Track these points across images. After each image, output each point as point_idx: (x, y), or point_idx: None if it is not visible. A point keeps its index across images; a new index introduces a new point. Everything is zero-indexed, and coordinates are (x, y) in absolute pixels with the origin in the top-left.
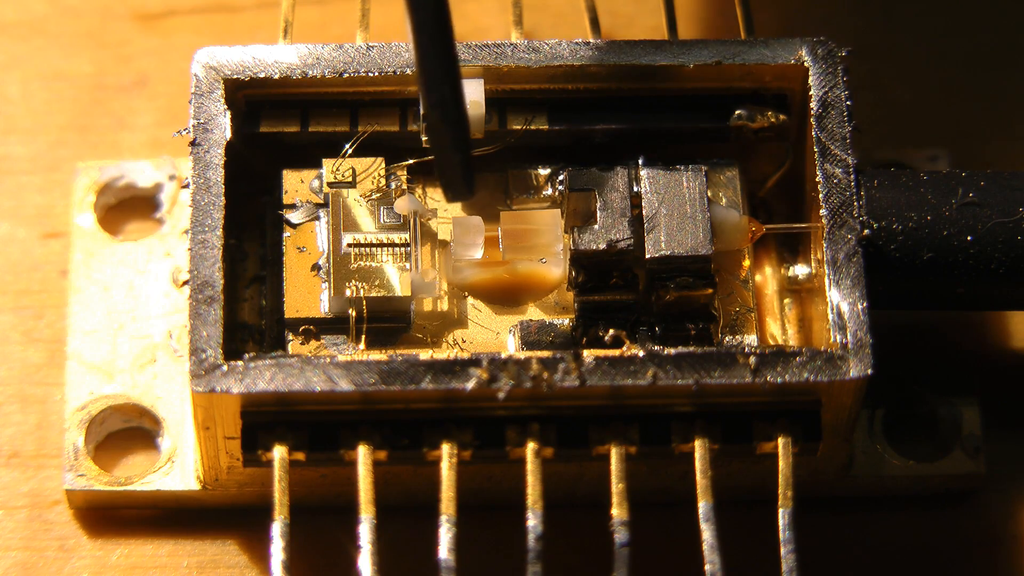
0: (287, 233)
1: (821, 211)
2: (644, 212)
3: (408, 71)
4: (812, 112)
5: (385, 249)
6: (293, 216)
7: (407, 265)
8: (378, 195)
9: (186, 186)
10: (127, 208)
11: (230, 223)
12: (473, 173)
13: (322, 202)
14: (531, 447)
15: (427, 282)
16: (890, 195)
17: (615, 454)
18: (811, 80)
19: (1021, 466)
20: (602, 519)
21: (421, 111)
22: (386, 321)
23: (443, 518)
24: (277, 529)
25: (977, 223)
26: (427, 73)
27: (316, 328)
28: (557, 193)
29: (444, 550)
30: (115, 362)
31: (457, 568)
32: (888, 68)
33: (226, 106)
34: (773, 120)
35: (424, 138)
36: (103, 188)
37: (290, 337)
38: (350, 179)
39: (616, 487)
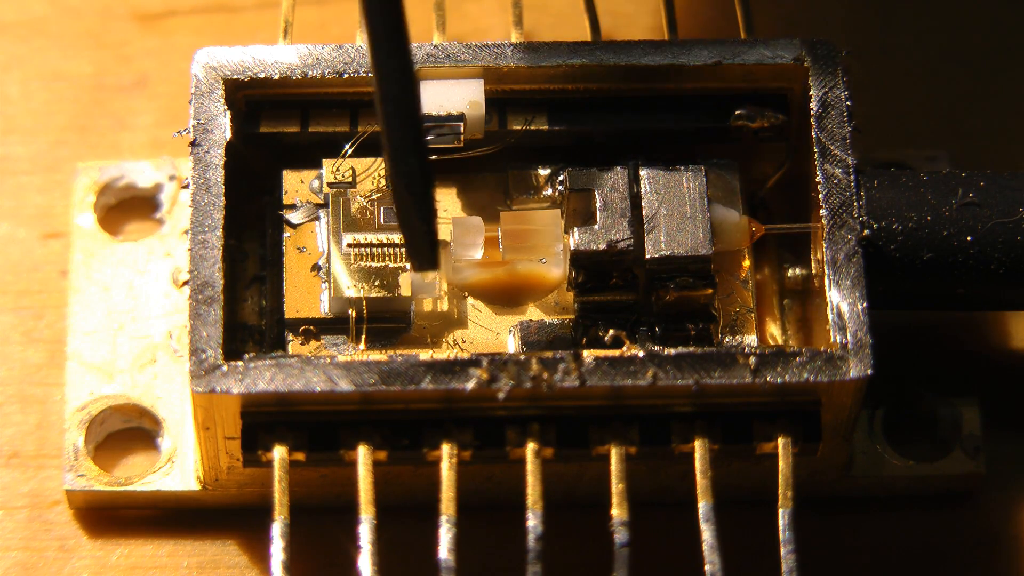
0: (287, 233)
1: (821, 211)
2: (644, 212)
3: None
4: (812, 112)
5: (385, 249)
6: (293, 216)
7: (407, 265)
8: (378, 195)
9: (186, 186)
10: (127, 208)
11: (230, 223)
12: (437, 244)
13: (322, 202)
14: (531, 447)
15: (427, 282)
16: (890, 195)
17: (615, 454)
18: (811, 80)
19: (1021, 466)
20: (602, 519)
21: (387, 180)
22: (386, 321)
23: (443, 518)
24: (277, 529)
25: (977, 223)
26: (394, 144)
27: (316, 328)
28: (557, 193)
29: (444, 550)
30: (115, 362)
31: (457, 568)
32: (888, 68)
33: (226, 106)
34: (773, 120)
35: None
36: (103, 188)
37: (290, 337)
38: (350, 179)
39: (616, 487)
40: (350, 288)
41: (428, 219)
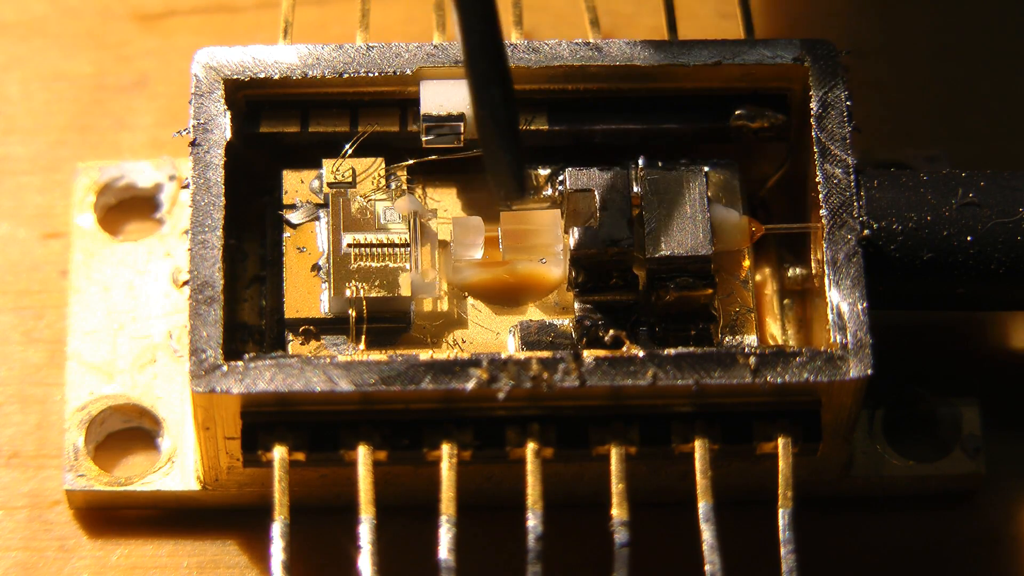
0: (287, 233)
1: (821, 211)
2: (644, 212)
3: (408, 71)
4: (812, 112)
5: (385, 249)
6: (293, 216)
7: (407, 265)
8: (378, 195)
9: (186, 186)
10: (127, 208)
11: (230, 223)
12: (524, 172)
13: (322, 202)
14: (531, 447)
15: (427, 282)
16: (890, 195)
17: (615, 454)
18: (811, 80)
19: (1021, 466)
20: (602, 519)
21: (472, 110)
22: (386, 321)
23: (443, 518)
24: (277, 529)
25: (977, 223)
26: (476, 74)
27: (316, 328)
28: (557, 193)
29: (444, 550)
30: (115, 362)
31: (457, 568)
32: (888, 68)
33: (226, 106)
34: (773, 120)
35: (425, 138)
36: (103, 188)
37: (290, 337)
38: (350, 179)
39: (616, 487)
40: (350, 288)
41: (513, 149)
